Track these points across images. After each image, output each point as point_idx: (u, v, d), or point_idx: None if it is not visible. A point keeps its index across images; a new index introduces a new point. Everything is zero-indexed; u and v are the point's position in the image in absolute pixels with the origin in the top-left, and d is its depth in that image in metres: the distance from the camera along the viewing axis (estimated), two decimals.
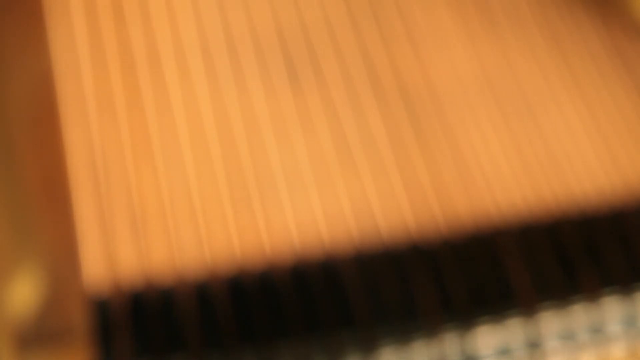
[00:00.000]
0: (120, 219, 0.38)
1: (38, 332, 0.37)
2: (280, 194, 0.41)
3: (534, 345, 0.37)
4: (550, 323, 0.37)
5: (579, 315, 0.37)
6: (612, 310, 0.38)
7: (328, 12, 0.45)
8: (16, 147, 0.41)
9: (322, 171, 0.41)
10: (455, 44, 0.45)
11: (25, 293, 0.37)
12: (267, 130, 0.42)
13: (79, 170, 0.39)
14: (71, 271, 0.39)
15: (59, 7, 0.42)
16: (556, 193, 0.42)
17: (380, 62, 0.44)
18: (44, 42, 0.41)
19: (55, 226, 0.40)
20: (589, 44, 0.46)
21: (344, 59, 0.44)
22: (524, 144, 0.43)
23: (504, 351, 0.36)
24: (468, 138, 0.43)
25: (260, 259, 0.38)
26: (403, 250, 0.38)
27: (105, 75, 0.41)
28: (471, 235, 0.39)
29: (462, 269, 0.37)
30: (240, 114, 0.42)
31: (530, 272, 0.37)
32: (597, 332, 0.37)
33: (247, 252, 0.38)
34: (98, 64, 0.41)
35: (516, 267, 0.37)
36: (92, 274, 0.37)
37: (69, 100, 0.40)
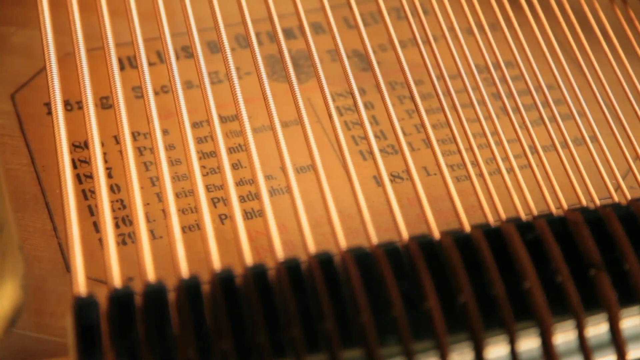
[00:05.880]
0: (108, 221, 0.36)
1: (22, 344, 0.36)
2: (283, 192, 0.40)
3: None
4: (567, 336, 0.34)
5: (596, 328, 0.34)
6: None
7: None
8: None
9: (327, 168, 0.38)
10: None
11: (6, 304, 0.36)
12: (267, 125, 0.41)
13: (64, 172, 0.37)
14: (56, 278, 0.38)
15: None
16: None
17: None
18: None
19: (40, 233, 0.39)
20: None
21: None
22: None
23: None
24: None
25: (260, 259, 0.36)
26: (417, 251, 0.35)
27: (102, 73, 0.39)
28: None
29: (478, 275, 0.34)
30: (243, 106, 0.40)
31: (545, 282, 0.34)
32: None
33: (244, 251, 0.35)
34: (94, 61, 0.39)
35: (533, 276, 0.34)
36: (77, 278, 0.35)
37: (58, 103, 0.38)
